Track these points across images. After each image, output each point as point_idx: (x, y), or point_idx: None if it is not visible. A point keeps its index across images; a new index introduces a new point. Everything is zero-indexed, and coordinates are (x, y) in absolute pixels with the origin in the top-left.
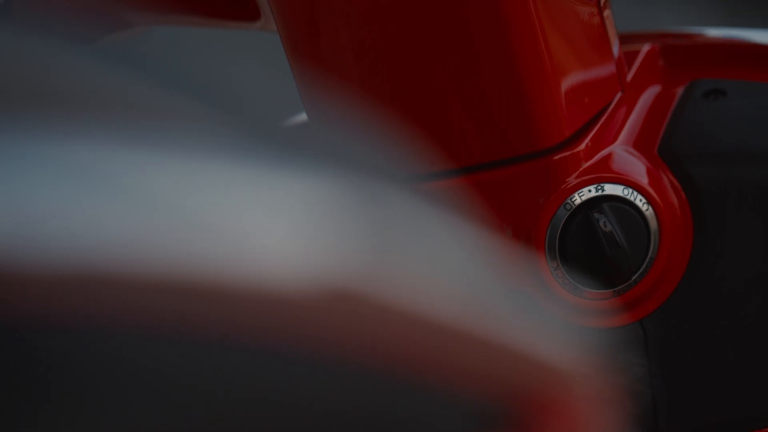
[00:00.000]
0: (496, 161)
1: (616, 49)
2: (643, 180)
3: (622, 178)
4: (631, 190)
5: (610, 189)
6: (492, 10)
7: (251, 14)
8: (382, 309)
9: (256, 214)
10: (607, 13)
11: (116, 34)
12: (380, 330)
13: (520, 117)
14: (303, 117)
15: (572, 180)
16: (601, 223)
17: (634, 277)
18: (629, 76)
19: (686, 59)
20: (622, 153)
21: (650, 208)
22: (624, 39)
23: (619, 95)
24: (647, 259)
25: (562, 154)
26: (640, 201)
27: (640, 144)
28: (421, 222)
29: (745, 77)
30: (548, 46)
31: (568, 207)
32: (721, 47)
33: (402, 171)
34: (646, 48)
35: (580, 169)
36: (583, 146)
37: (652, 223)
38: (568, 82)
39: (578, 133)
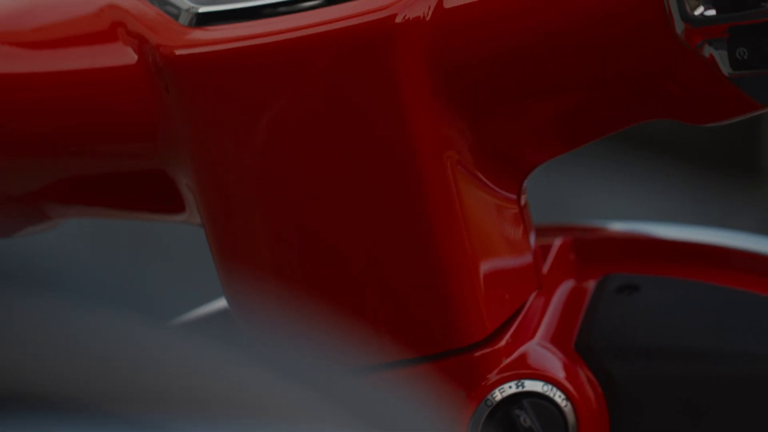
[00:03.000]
0: (417, 358)
1: (533, 244)
2: (561, 375)
3: (541, 374)
4: (550, 386)
5: (530, 385)
6: (416, 212)
7: (175, 207)
8: None
9: None
10: (526, 209)
11: (33, 227)
12: None
13: (444, 316)
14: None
15: (493, 376)
16: (521, 419)
17: None
18: (544, 270)
19: (597, 254)
20: (541, 349)
21: (569, 404)
22: (537, 232)
23: (536, 291)
24: None
25: (483, 351)
26: (559, 397)
27: (557, 339)
28: None
29: (655, 272)
30: (472, 247)
31: (489, 403)
32: (630, 242)
33: (327, 366)
34: (558, 242)
35: (501, 366)
36: (503, 342)
37: (570, 418)
38: (489, 282)
39: (499, 329)
